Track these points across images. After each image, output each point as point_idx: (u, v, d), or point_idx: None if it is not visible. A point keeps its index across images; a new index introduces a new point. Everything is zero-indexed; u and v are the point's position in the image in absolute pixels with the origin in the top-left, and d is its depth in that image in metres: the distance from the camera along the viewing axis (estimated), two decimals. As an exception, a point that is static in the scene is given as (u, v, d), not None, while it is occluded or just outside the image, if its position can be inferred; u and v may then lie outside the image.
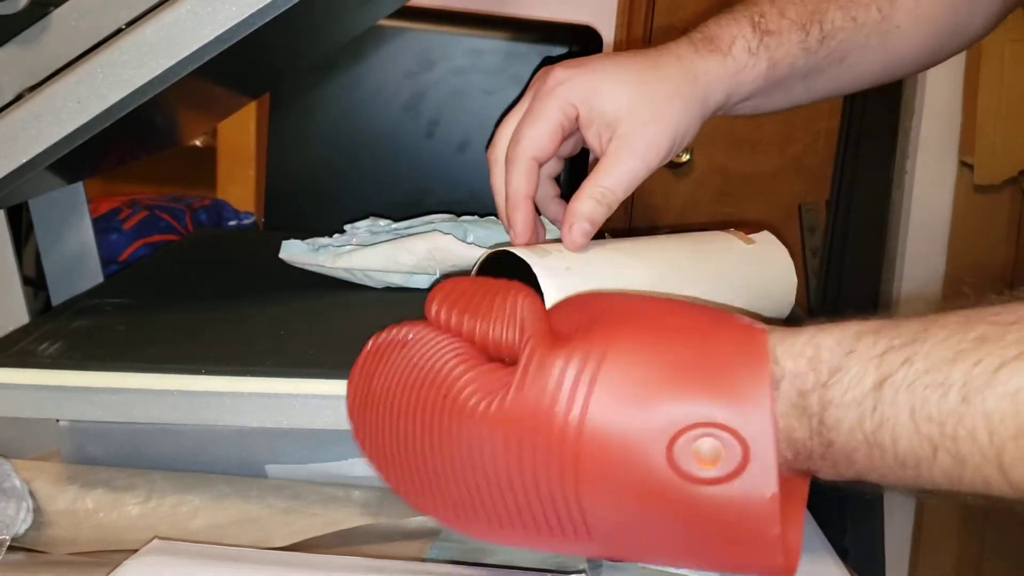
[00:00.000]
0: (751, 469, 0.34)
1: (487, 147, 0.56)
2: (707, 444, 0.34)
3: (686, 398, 0.34)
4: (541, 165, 0.53)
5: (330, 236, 0.67)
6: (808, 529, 0.59)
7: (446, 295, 0.40)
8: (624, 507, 0.35)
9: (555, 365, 0.36)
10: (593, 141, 0.52)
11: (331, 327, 0.56)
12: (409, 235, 0.64)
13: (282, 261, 0.64)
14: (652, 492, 0.35)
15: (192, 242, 0.83)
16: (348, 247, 0.65)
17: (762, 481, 0.34)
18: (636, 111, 0.50)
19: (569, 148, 0.55)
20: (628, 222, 1.48)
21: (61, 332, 0.52)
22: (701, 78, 0.52)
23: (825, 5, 0.56)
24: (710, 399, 0.34)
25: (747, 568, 0.36)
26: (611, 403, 0.35)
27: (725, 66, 0.53)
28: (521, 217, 0.52)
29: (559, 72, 0.52)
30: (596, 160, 0.52)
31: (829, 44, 0.56)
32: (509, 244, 0.52)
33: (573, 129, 0.52)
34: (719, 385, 0.34)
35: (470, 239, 0.64)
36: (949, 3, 0.60)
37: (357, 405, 0.42)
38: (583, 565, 0.49)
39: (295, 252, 0.64)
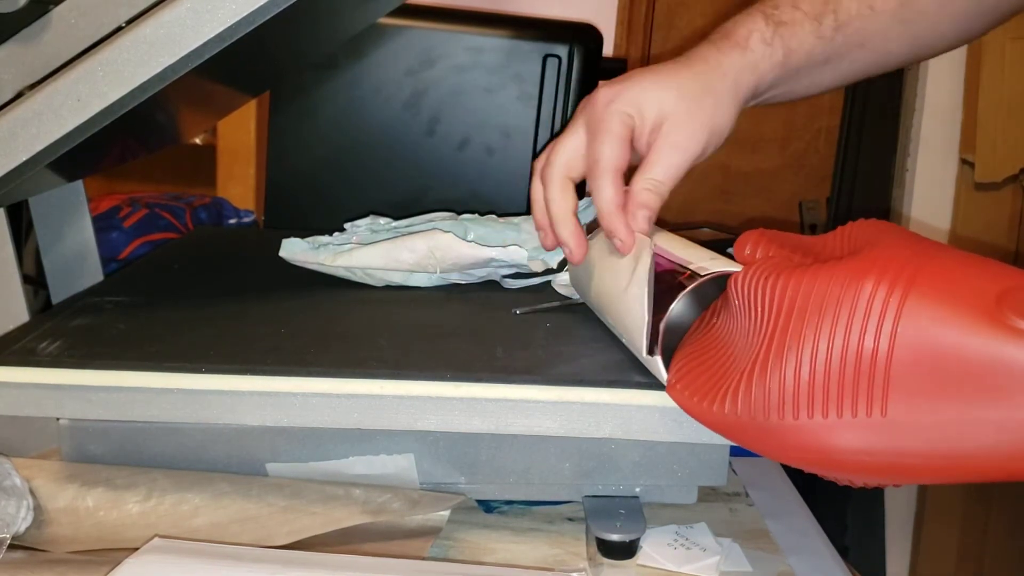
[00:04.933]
0: None
1: (535, 169, 0.58)
2: None
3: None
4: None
5: (330, 234, 0.67)
6: (809, 528, 0.59)
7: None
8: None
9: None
10: (641, 145, 0.55)
11: (331, 326, 0.56)
12: (409, 233, 0.64)
13: (282, 259, 0.64)
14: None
15: (192, 240, 0.83)
16: (348, 245, 0.65)
17: None
18: (677, 111, 0.54)
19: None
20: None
21: (61, 330, 0.52)
22: (729, 73, 0.56)
23: None
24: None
25: None
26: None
27: (745, 58, 0.56)
28: (620, 227, 0.53)
29: (606, 91, 0.55)
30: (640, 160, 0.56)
31: (845, 31, 0.58)
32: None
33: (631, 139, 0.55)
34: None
35: (470, 237, 0.64)
36: None
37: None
38: (583, 564, 0.49)
39: (295, 250, 0.64)
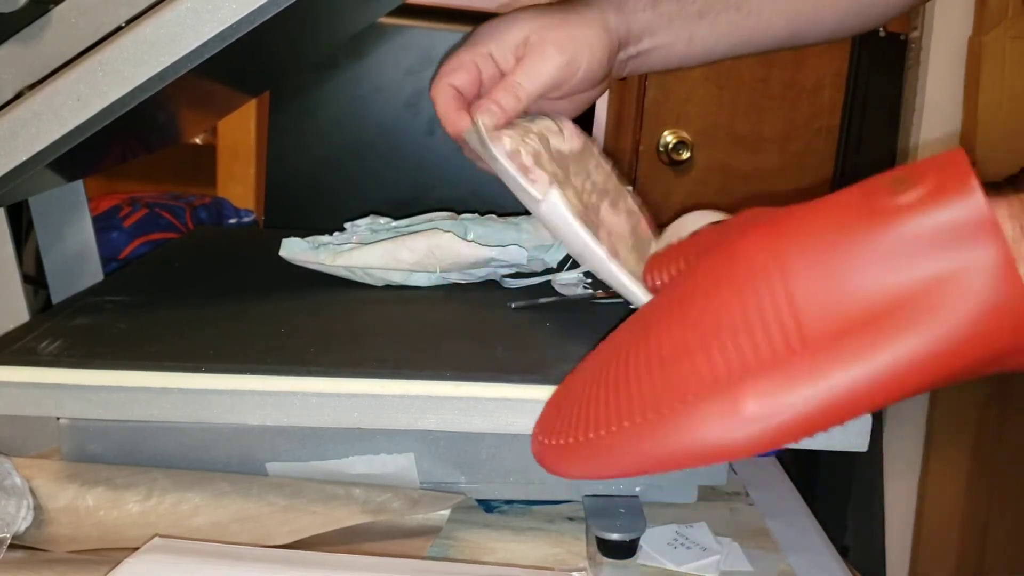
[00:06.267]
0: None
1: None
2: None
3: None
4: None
5: (330, 234, 0.67)
6: (809, 527, 0.59)
7: None
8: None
9: None
10: (509, 67, 0.58)
11: (331, 325, 0.56)
12: (410, 233, 0.64)
13: (282, 259, 0.64)
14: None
15: (191, 240, 0.83)
16: (348, 245, 0.64)
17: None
18: (539, 28, 0.57)
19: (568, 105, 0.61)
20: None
21: (61, 330, 0.52)
22: (593, 3, 0.59)
23: None
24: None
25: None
26: None
27: None
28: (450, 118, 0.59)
29: (478, 29, 0.60)
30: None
31: None
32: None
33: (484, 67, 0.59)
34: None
35: (470, 237, 0.64)
36: None
37: None
38: (583, 563, 0.49)
39: (295, 250, 0.64)
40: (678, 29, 0.62)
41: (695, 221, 0.53)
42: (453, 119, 0.58)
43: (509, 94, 0.56)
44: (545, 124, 0.59)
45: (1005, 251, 0.32)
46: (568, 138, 0.59)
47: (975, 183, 0.33)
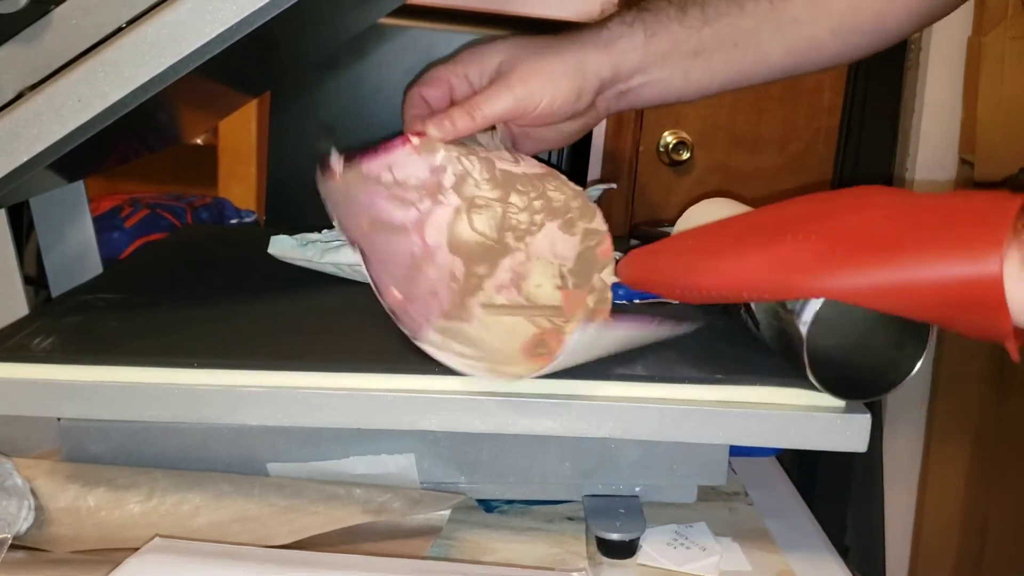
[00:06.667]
0: None
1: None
2: None
3: None
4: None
5: (319, 231, 0.68)
6: (809, 528, 0.59)
7: None
8: None
9: None
10: (481, 87, 0.61)
11: (323, 321, 0.56)
12: None
13: (272, 257, 0.64)
14: None
15: (182, 238, 0.83)
16: (336, 243, 0.65)
17: None
18: (514, 58, 0.60)
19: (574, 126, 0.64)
20: (629, 219, 1.48)
21: (54, 327, 0.52)
22: (576, 41, 0.60)
23: None
24: None
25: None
26: None
27: (601, 35, 0.61)
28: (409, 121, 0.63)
29: (465, 51, 0.63)
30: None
31: (714, 26, 0.61)
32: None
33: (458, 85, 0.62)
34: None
35: None
36: (849, 2, 0.62)
37: None
38: (583, 563, 0.49)
39: (283, 247, 0.65)
40: (672, 66, 0.62)
41: (713, 211, 0.56)
42: (408, 123, 0.62)
43: (464, 114, 0.58)
44: (501, 153, 0.60)
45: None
46: (524, 165, 0.60)
47: None
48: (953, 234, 0.39)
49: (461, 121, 0.58)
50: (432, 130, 0.57)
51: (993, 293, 0.38)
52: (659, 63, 0.61)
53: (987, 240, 0.38)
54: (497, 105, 0.58)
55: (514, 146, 0.63)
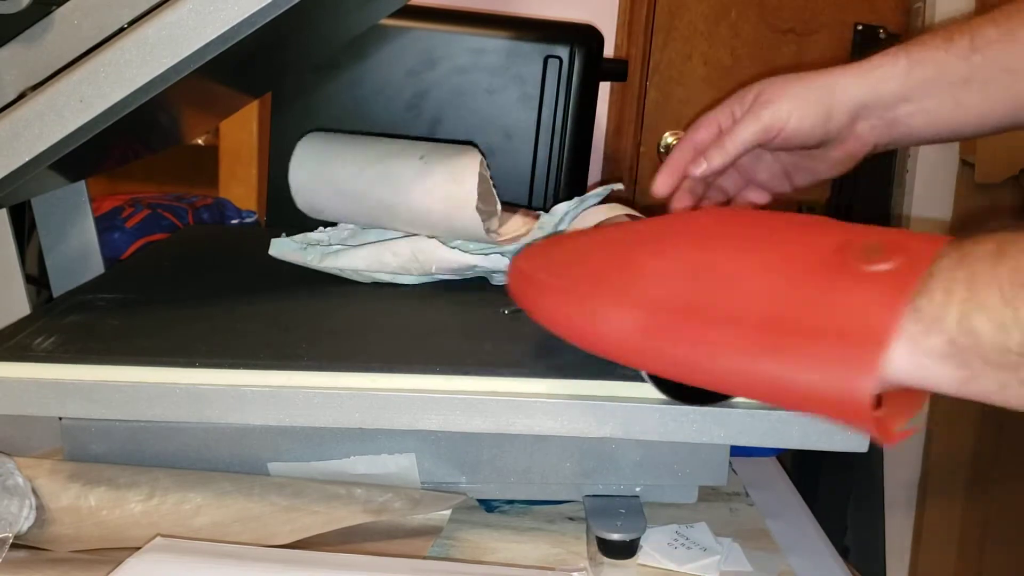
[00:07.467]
0: None
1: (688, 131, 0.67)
2: None
3: None
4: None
5: (324, 227, 0.68)
6: (809, 528, 0.59)
7: None
8: None
9: None
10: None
11: (323, 321, 0.56)
12: (395, 237, 0.65)
13: (272, 257, 0.65)
14: None
15: (182, 238, 0.83)
16: (335, 247, 0.65)
17: None
18: (769, 85, 0.61)
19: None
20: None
21: (55, 327, 0.52)
22: (832, 70, 0.61)
23: (979, 21, 0.59)
24: None
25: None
26: None
27: (860, 64, 0.60)
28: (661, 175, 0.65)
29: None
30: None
31: (984, 54, 0.59)
32: None
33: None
34: None
35: (453, 243, 0.64)
36: None
37: None
38: (584, 563, 0.50)
39: (284, 250, 0.65)
40: (941, 95, 0.60)
41: (603, 214, 0.63)
42: (661, 177, 0.65)
43: (716, 148, 0.61)
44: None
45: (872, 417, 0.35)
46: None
47: (910, 293, 0.35)
48: (831, 326, 0.35)
49: (715, 156, 0.61)
50: (693, 170, 0.61)
51: (861, 415, 0.35)
52: (925, 91, 0.60)
53: (866, 348, 0.34)
54: (746, 131, 0.60)
55: (788, 180, 0.66)
